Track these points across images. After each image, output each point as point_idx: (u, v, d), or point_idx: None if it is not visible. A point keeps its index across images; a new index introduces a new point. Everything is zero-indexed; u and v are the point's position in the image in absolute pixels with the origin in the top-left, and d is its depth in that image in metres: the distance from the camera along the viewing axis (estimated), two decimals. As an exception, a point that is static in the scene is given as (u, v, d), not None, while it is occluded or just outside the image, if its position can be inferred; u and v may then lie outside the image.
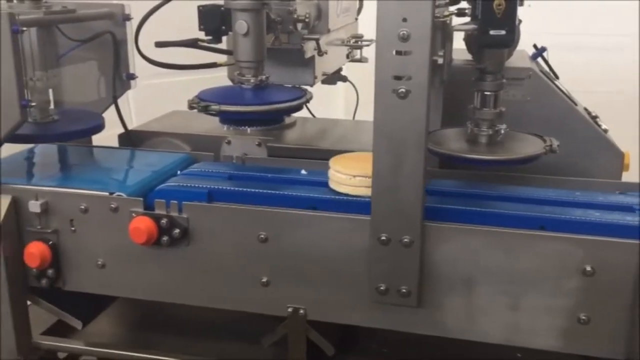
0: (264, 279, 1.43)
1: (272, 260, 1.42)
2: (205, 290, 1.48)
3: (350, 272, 1.38)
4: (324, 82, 2.05)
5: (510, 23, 1.37)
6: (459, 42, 1.60)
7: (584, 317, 1.29)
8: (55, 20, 1.68)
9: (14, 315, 1.53)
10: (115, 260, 1.50)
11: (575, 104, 1.74)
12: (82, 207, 1.48)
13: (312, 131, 2.00)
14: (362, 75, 1.98)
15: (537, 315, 1.31)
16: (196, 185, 1.50)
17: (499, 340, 1.36)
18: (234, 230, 1.42)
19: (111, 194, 1.49)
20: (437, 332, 1.38)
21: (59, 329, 1.68)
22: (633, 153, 1.72)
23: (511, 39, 1.39)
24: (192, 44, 1.80)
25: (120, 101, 1.88)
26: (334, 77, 2.19)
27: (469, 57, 1.61)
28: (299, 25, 1.76)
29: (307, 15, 1.77)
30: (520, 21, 1.45)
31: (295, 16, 1.74)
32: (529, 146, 1.50)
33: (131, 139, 1.90)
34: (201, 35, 1.74)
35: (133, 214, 1.44)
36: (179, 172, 1.63)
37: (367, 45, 2.14)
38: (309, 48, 1.82)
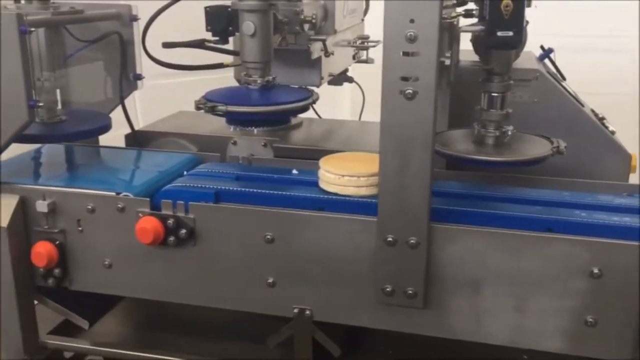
0: (270, 280, 1.43)
1: (278, 260, 1.42)
2: (212, 290, 1.48)
3: (357, 273, 1.38)
4: (330, 83, 2.05)
5: (517, 24, 1.37)
6: (466, 43, 1.60)
7: (591, 320, 1.29)
8: (63, 20, 1.69)
9: (20, 314, 1.53)
10: (122, 260, 1.51)
11: (583, 106, 1.74)
12: (89, 207, 1.49)
13: (318, 132, 2.00)
14: (368, 76, 1.97)
15: (544, 317, 1.31)
16: (203, 185, 1.50)
17: (505, 342, 1.35)
18: (241, 230, 1.42)
19: (118, 194, 1.49)
20: (443, 334, 1.38)
21: (66, 329, 1.68)
22: (640, 155, 1.72)
23: (519, 40, 1.39)
24: (199, 44, 1.80)
25: (126, 101, 1.88)
26: (340, 78, 2.19)
27: (476, 58, 1.61)
28: (306, 26, 1.76)
29: (314, 16, 1.77)
30: (527, 22, 1.44)
31: (302, 17, 1.75)
32: (536, 148, 1.50)
33: (138, 139, 1.91)
34: (208, 36, 1.75)
35: (140, 214, 1.45)
36: (185, 172, 1.64)
37: (374, 46, 2.14)
38: (316, 49, 1.82)
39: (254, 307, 1.48)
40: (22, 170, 1.67)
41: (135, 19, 1.83)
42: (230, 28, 1.70)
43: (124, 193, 1.49)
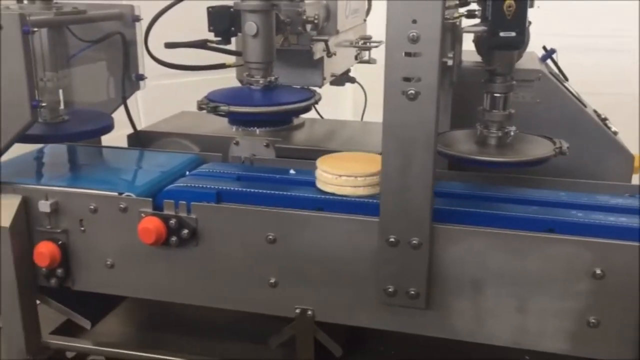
0: (272, 280, 1.43)
1: (280, 261, 1.42)
2: (214, 290, 1.48)
3: (359, 273, 1.38)
4: (332, 83, 2.05)
5: (520, 25, 1.37)
6: (468, 43, 1.60)
7: (593, 320, 1.28)
8: (66, 21, 1.69)
9: (23, 314, 1.54)
10: (124, 260, 1.51)
11: (585, 106, 1.74)
12: (92, 207, 1.49)
13: (320, 132, 2.00)
14: (371, 76, 1.98)
15: (546, 318, 1.31)
16: (205, 185, 1.50)
17: (508, 342, 1.35)
18: (243, 230, 1.42)
19: (120, 194, 1.49)
20: (445, 334, 1.38)
21: (68, 329, 1.68)
22: (643, 156, 1.71)
23: (521, 41, 1.39)
24: (202, 45, 1.81)
25: (129, 102, 1.88)
26: (343, 79, 2.19)
27: (478, 58, 1.61)
28: (308, 27, 1.76)
29: (316, 17, 1.77)
30: (530, 23, 1.44)
31: (305, 17, 1.75)
32: (539, 148, 1.50)
33: (140, 140, 1.91)
34: (210, 36, 1.75)
35: (142, 214, 1.45)
36: (187, 172, 1.64)
37: (376, 47, 2.14)
38: (318, 49, 1.82)
39: (255, 308, 1.48)
40: (25, 170, 1.67)
41: (137, 19, 1.83)
42: (233, 28, 1.70)
43: (127, 193, 1.49)
